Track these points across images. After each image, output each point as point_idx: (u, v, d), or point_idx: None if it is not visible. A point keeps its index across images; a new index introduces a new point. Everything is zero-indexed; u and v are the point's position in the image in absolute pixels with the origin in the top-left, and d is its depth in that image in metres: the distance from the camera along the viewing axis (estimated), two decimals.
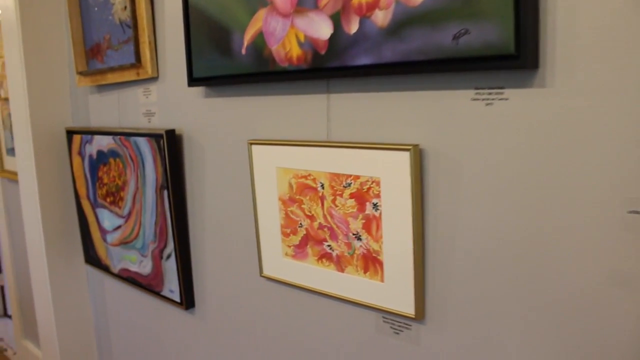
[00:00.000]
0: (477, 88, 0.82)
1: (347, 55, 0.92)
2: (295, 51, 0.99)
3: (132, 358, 1.74)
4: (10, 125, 2.28)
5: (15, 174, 2.30)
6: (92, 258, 1.75)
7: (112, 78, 1.49)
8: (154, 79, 1.39)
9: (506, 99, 0.79)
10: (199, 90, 1.27)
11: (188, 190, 1.35)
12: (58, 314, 1.84)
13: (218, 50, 1.13)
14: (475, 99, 0.83)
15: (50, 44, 1.73)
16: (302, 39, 0.98)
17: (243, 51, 1.08)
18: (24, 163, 1.80)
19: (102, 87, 1.62)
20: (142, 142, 1.37)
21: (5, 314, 3.23)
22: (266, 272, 1.18)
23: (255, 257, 1.20)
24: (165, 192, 1.33)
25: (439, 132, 0.86)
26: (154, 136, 1.33)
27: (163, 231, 1.37)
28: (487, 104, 0.82)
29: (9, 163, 2.34)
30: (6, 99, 2.27)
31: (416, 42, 0.84)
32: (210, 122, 1.25)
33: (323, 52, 0.95)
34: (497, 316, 0.83)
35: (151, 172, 1.36)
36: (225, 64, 1.12)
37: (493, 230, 0.82)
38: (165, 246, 1.38)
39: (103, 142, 1.54)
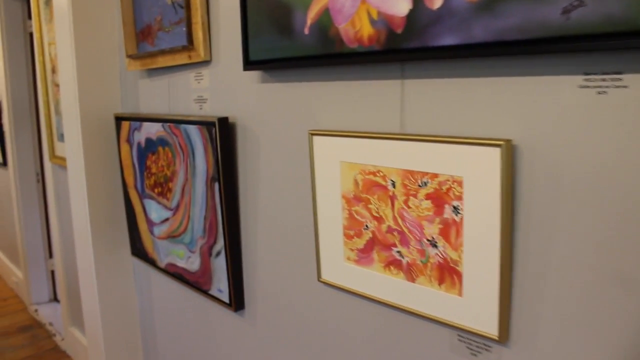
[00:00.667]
0: (586, 73, 0.68)
1: (428, 35, 0.79)
2: (367, 30, 0.87)
3: (177, 355, 1.67)
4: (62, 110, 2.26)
5: (64, 159, 2.28)
6: (138, 250, 1.70)
7: (162, 61, 1.41)
8: (206, 62, 1.30)
9: (625, 87, 0.65)
10: (254, 74, 1.16)
11: (240, 184, 1.25)
12: (103, 305, 1.80)
13: (277, 31, 1.02)
14: (584, 87, 0.69)
15: (101, 26, 1.67)
16: (374, 15, 0.86)
17: (306, 31, 0.97)
18: (72, 150, 1.76)
19: (152, 71, 1.54)
20: (193, 130, 1.28)
21: (56, 299, 3.27)
22: (325, 276, 1.07)
23: (312, 259, 1.10)
24: (217, 185, 1.24)
25: (536, 125, 0.73)
26: (205, 124, 1.24)
27: (213, 226, 1.28)
28: (600, 93, 0.68)
29: (60, 149, 2.33)
30: (57, 86, 2.25)
31: (514, 18, 0.71)
32: (267, 109, 1.14)
33: (399, 30, 0.83)
34: (598, 345, 0.69)
35: (202, 162, 1.27)
36: (285, 46, 1.01)
37: (599, 243, 0.68)
38: (215, 242, 1.29)
39: (152, 130, 1.46)
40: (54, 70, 2.26)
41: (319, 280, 1.08)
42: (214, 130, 1.21)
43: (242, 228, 1.27)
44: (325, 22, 0.93)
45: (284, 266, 1.17)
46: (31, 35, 3.14)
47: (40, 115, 3.04)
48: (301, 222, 1.11)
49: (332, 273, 1.05)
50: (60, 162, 2.33)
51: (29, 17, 3.08)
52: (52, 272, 3.25)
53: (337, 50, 0.92)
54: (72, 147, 1.74)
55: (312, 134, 1.02)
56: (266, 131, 1.15)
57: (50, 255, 3.24)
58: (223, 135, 1.21)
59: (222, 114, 1.27)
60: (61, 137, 2.30)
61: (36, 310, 3.15)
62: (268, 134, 1.15)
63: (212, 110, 1.31)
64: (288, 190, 1.12)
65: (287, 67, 1.05)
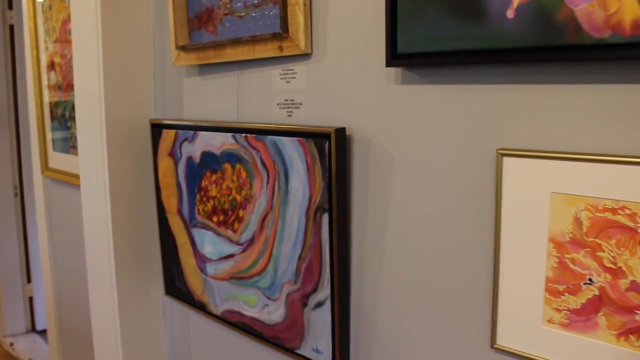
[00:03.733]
0: None
1: None
2: (631, 13, 0.61)
3: None
4: (59, 114, 1.89)
5: (62, 173, 1.91)
6: (177, 290, 1.37)
7: (233, 54, 1.10)
8: (304, 56, 1.00)
9: None
10: (387, 73, 0.88)
11: (355, 218, 0.96)
12: (127, 354, 1.45)
13: (454, 13, 0.74)
14: None
15: (132, 14, 1.34)
16: None
17: (510, 14, 0.69)
18: (90, 163, 1.41)
19: (208, 68, 1.22)
20: (289, 144, 0.98)
21: (34, 329, 2.85)
22: (504, 343, 0.79)
23: (481, 320, 0.82)
24: (325, 217, 0.94)
25: None
26: (311, 136, 0.94)
27: (314, 270, 0.98)
28: None
29: (55, 160, 1.96)
30: (53, 86, 1.88)
31: None
32: (412, 120, 0.86)
33: None
34: None
35: (301, 186, 0.97)
36: (468, 34, 0.73)
37: None
38: (314, 291, 0.99)
39: (214, 142, 1.15)
40: (51, 67, 1.89)
41: (492, 347, 0.80)
42: (326, 146, 0.91)
43: (353, 275, 0.98)
44: (548, 3, 0.66)
45: (422, 326, 0.88)
46: (11, 27, 2.73)
47: (21, 121, 2.63)
48: (462, 271, 0.82)
49: (518, 339, 0.77)
50: (55, 176, 1.95)
51: (10, 7, 2.67)
52: (30, 299, 2.82)
53: (570, 41, 0.65)
54: (91, 160, 1.40)
55: (504, 154, 0.74)
56: (407, 149, 0.87)
57: (29, 279, 2.82)
58: (340, 152, 0.92)
59: (324, 123, 0.98)
60: (58, 145, 1.93)
61: (12, 344, 2.72)
62: (410, 153, 0.86)
63: (308, 118, 1.01)
64: (443, 230, 0.84)
65: (466, 63, 0.76)
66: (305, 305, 1.02)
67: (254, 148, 1.06)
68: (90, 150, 1.40)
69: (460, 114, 0.80)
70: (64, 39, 1.79)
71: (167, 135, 1.28)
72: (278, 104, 1.07)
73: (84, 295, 1.95)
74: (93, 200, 1.42)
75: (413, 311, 0.90)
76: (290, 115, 1.05)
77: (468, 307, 0.82)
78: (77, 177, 1.80)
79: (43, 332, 2.80)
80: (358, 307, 0.98)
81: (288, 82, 1.04)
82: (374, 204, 0.93)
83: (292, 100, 1.04)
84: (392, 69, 0.87)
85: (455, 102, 0.80)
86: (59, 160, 1.94)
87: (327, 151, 0.92)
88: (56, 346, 2.18)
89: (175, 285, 1.37)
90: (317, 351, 1.02)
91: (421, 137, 0.85)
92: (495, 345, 0.80)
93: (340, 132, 0.91)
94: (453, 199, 0.82)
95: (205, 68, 1.23)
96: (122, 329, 1.43)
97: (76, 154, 1.84)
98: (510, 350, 0.78)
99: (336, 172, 0.91)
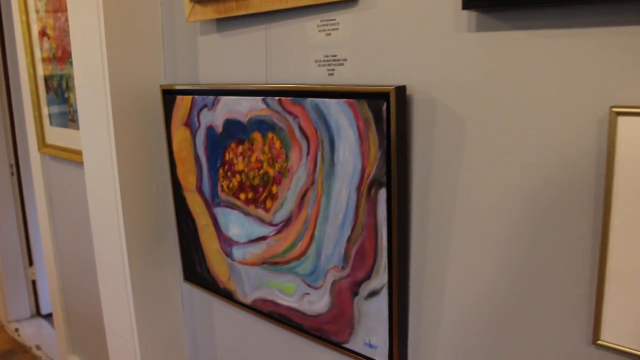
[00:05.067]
0: None
1: None
2: None
3: None
4: (55, 86, 1.72)
5: (61, 149, 1.76)
6: (198, 276, 1.23)
7: (260, 4, 0.94)
8: (347, 2, 0.84)
9: None
10: (457, 19, 0.72)
11: (414, 193, 0.82)
12: (143, 345, 1.33)
13: None
14: None
15: None
16: None
17: None
18: (93, 139, 1.25)
19: (228, 23, 1.06)
20: (335, 107, 0.83)
21: (39, 313, 2.73)
22: (609, 338, 0.66)
23: (583, 311, 0.68)
24: (382, 194, 0.80)
25: None
26: (364, 97, 0.79)
27: (367, 255, 0.84)
28: None
29: (53, 135, 1.79)
30: (47, 58, 1.71)
31: None
32: (489, 74, 0.70)
33: None
34: None
35: (351, 157, 0.82)
36: None
37: None
38: (367, 277, 0.86)
39: (240, 108, 0.99)
40: (43, 35, 1.71)
41: (594, 344, 0.67)
42: (384, 107, 0.76)
43: (412, 260, 0.84)
44: None
45: (506, 321, 0.75)
46: None
47: (13, 95, 2.45)
48: (558, 255, 0.68)
49: (629, 334, 0.64)
50: (54, 152, 1.80)
51: None
52: (34, 283, 2.70)
53: None
54: (95, 134, 1.24)
55: (619, 113, 0.59)
56: (483, 110, 0.72)
57: (30, 262, 2.69)
58: (401, 115, 0.76)
59: (379, 82, 0.82)
60: (56, 120, 1.76)
61: (17, 330, 2.60)
62: (487, 115, 0.71)
63: (354, 76, 0.86)
64: (532, 207, 0.69)
65: (564, 1, 0.61)
66: (355, 294, 0.88)
67: (290, 113, 0.90)
68: (93, 124, 1.25)
69: (558, 65, 0.64)
70: (56, 4, 1.61)
71: (182, 103, 1.12)
72: (316, 62, 0.91)
73: (90, 278, 1.82)
74: (99, 179, 1.27)
75: (493, 303, 0.76)
76: (332, 74, 0.89)
77: (566, 298, 0.69)
78: (78, 153, 1.65)
79: (49, 316, 2.68)
80: (418, 297, 0.85)
81: (328, 34, 0.88)
82: (440, 177, 0.78)
83: (334, 56, 0.88)
84: (464, 14, 0.71)
85: (550, 50, 0.64)
86: (57, 135, 1.78)
87: (385, 114, 0.77)
88: (63, 331, 2.06)
89: (196, 271, 1.23)
90: (371, 345, 0.89)
91: (502, 95, 0.69)
92: (599, 341, 0.67)
93: (401, 90, 0.76)
94: (546, 170, 0.67)
95: (224, 23, 1.07)
96: (137, 318, 1.30)
97: (76, 128, 1.68)
98: (620, 348, 0.65)
99: (396, 139, 0.77)
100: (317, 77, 0.91)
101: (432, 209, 0.80)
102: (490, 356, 0.77)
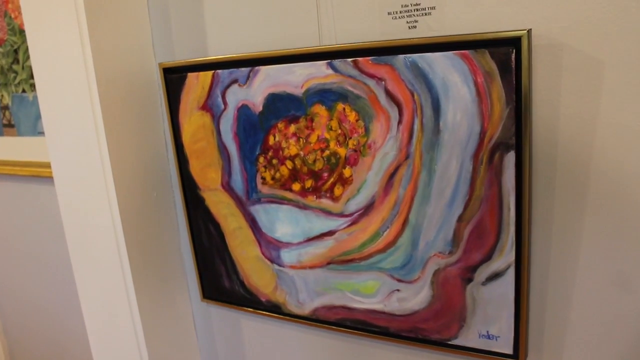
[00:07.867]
0: None
1: None
2: None
3: None
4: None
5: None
6: (225, 293, 1.03)
7: None
8: None
9: None
10: None
11: (538, 155, 0.71)
12: None
13: None
14: None
15: None
16: None
17: None
18: (71, 144, 0.99)
19: None
20: (441, 62, 0.69)
21: None
22: None
23: None
24: (510, 158, 0.68)
25: None
26: (484, 45, 0.66)
27: (487, 233, 0.72)
28: None
29: None
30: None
31: None
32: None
33: None
34: None
35: (465, 120, 0.69)
36: None
37: None
38: (484, 260, 0.73)
39: (292, 77, 0.81)
40: None
41: None
42: (513, 56, 0.64)
43: (534, 235, 0.73)
44: None
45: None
46: None
47: None
48: None
49: None
50: None
51: None
52: None
53: None
54: (74, 137, 0.98)
55: None
56: (624, 52, 0.62)
57: None
58: (528, 66, 0.65)
59: (467, 29, 0.70)
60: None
61: None
62: (629, 58, 0.62)
63: (445, 27, 0.73)
64: None
65: None
66: (469, 281, 0.76)
67: (372, 76, 0.75)
68: (69, 126, 0.98)
69: None
70: None
71: (197, 82, 0.91)
72: (389, 14, 0.76)
73: (46, 320, 1.51)
74: (82, 193, 1.01)
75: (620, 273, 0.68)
76: (414, 27, 0.75)
77: None
78: (18, 165, 1.35)
79: None
80: (542, 279, 0.74)
81: None
82: (568, 133, 0.68)
83: (417, 4, 0.74)
84: None
85: None
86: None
87: (514, 64, 0.65)
88: None
89: (223, 287, 1.03)
90: (489, 337, 0.77)
91: None
92: None
93: (530, 35, 0.65)
94: None
95: None
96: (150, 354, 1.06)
97: (12, 134, 1.36)
98: None
99: (529, 93, 0.65)
100: (392, 32, 0.77)
101: (562, 171, 0.69)
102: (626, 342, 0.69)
